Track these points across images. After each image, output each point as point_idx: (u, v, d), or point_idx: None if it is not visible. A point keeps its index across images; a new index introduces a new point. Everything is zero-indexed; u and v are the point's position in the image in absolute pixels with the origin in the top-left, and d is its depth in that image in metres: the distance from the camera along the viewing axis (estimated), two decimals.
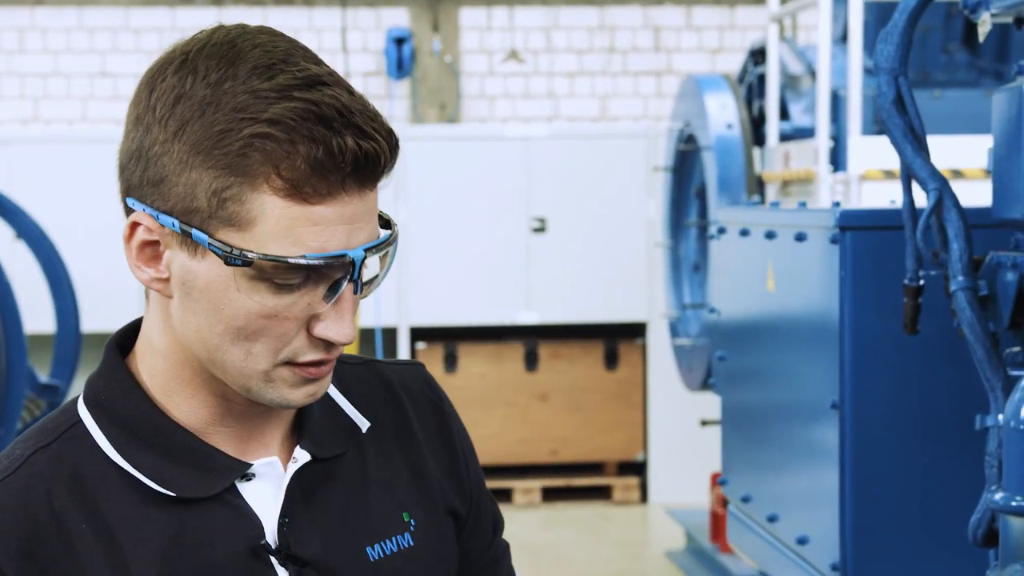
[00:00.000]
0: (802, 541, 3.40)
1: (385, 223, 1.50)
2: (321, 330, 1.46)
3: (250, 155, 1.40)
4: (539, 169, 8.34)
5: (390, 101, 9.32)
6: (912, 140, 2.73)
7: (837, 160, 6.52)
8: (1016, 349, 2.63)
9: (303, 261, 1.41)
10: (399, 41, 9.28)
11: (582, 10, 9.39)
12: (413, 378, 1.71)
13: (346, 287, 1.45)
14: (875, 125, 7.06)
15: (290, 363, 1.47)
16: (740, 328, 4.00)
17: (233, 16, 9.44)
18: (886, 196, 5.79)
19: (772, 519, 3.69)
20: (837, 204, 3.37)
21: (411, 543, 1.60)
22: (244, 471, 1.52)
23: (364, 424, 1.62)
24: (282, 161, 1.40)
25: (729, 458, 4.20)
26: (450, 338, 8.47)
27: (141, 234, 1.46)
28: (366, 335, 8.62)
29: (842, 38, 6.88)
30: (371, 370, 1.68)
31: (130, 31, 9.33)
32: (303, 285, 1.44)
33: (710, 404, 6.97)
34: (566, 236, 8.35)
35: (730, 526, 4.17)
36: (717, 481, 4.55)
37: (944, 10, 6.87)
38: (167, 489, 1.49)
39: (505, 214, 8.34)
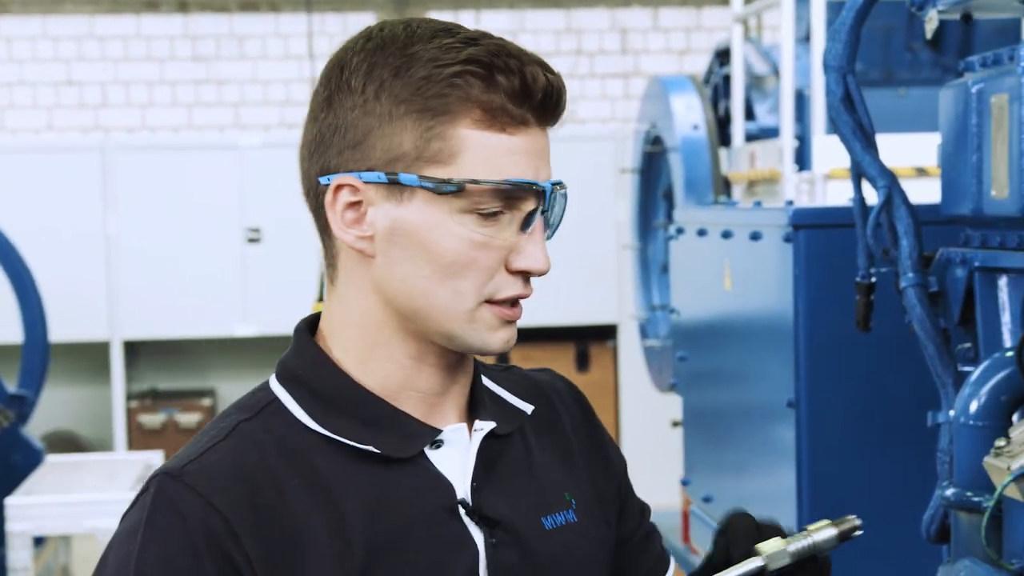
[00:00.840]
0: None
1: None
2: (519, 261, 1.58)
3: (451, 94, 1.55)
4: None
5: None
6: (861, 137, 2.73)
7: (802, 159, 6.53)
8: (966, 345, 2.64)
9: (505, 185, 1.55)
10: None
11: (548, 13, 9.40)
12: (555, 378, 1.83)
13: (538, 219, 1.58)
14: None
15: (490, 302, 1.58)
16: (699, 328, 4.01)
17: (200, 22, 9.41)
18: (851, 195, 5.80)
19: None
20: (790, 203, 3.38)
21: (576, 519, 1.69)
22: (435, 436, 1.62)
23: (528, 408, 1.73)
24: (481, 94, 1.55)
25: (691, 458, 4.20)
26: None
27: (344, 196, 1.59)
28: None
29: (805, 38, 6.89)
30: (516, 373, 1.80)
31: (95, 39, 9.30)
32: (501, 217, 1.57)
33: (680, 405, 6.99)
34: None
35: (693, 527, 4.17)
36: (681, 482, 4.55)
37: (907, 8, 6.88)
38: (370, 447, 1.59)
39: None
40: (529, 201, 1.58)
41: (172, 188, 8.58)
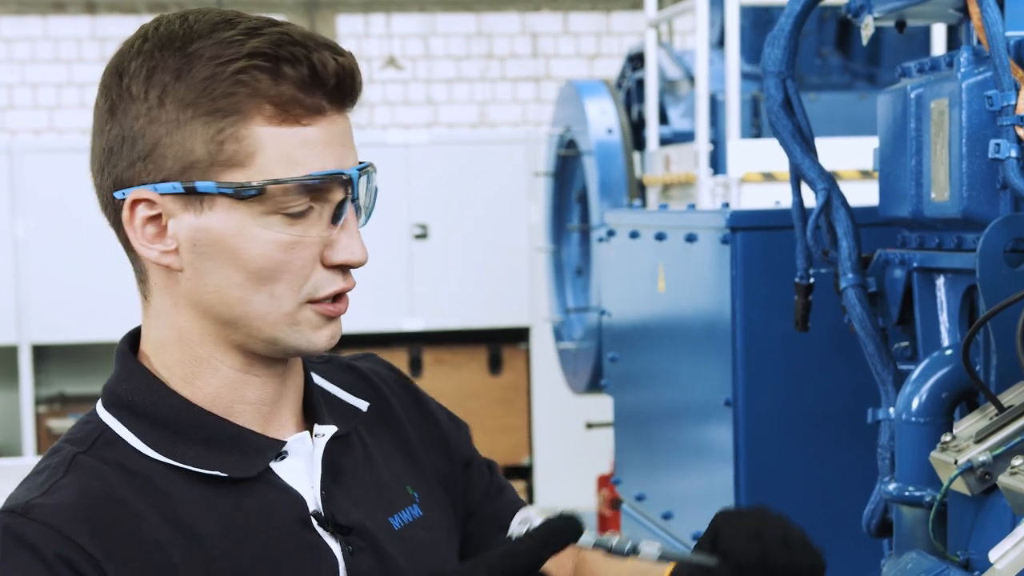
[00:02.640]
0: (698, 537, 3.45)
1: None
2: (335, 256, 1.53)
3: (237, 91, 1.47)
4: (420, 176, 8.36)
5: None
6: (800, 141, 2.79)
7: (717, 163, 6.62)
8: (905, 344, 2.70)
9: (307, 179, 1.48)
10: None
11: (459, 17, 9.43)
12: (377, 364, 1.79)
13: (349, 208, 1.53)
14: (753, 128, 7.18)
15: (311, 301, 1.52)
16: (631, 329, 4.05)
17: (107, 24, 9.33)
18: (765, 198, 5.90)
19: (667, 516, 3.74)
20: (727, 205, 3.43)
21: (421, 513, 1.67)
22: (280, 449, 1.57)
23: (363, 405, 1.69)
24: (270, 88, 1.48)
25: (622, 458, 4.25)
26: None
27: (141, 212, 1.52)
28: None
29: (719, 43, 6.98)
30: (338, 364, 1.75)
31: (1, 40, 9.20)
32: (310, 213, 1.51)
33: (595, 407, 7.04)
34: (448, 242, 8.38)
35: (624, 524, 4.21)
36: (611, 480, 4.60)
37: (817, 14, 6.99)
38: (216, 471, 1.53)
39: (386, 221, 8.34)
40: (337, 192, 1.52)
41: (81, 191, 8.49)
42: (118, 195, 1.52)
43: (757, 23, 7.43)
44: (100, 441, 1.54)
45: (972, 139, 2.39)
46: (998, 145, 2.31)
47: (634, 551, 1.47)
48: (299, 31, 1.51)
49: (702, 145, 6.38)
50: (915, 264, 2.59)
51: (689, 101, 7.16)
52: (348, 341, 8.46)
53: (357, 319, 8.79)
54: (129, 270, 1.61)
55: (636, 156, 7.03)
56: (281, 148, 1.49)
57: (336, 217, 1.53)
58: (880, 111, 2.70)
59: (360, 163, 1.56)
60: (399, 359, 8.38)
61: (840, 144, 5.57)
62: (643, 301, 3.87)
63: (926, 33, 6.73)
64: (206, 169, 1.49)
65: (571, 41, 9.48)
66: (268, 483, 1.56)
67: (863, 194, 2.72)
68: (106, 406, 1.57)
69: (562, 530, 1.39)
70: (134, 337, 1.62)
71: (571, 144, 7.11)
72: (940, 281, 2.57)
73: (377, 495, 1.65)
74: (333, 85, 1.51)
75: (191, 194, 1.49)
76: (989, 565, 1.82)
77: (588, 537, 1.43)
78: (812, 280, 2.86)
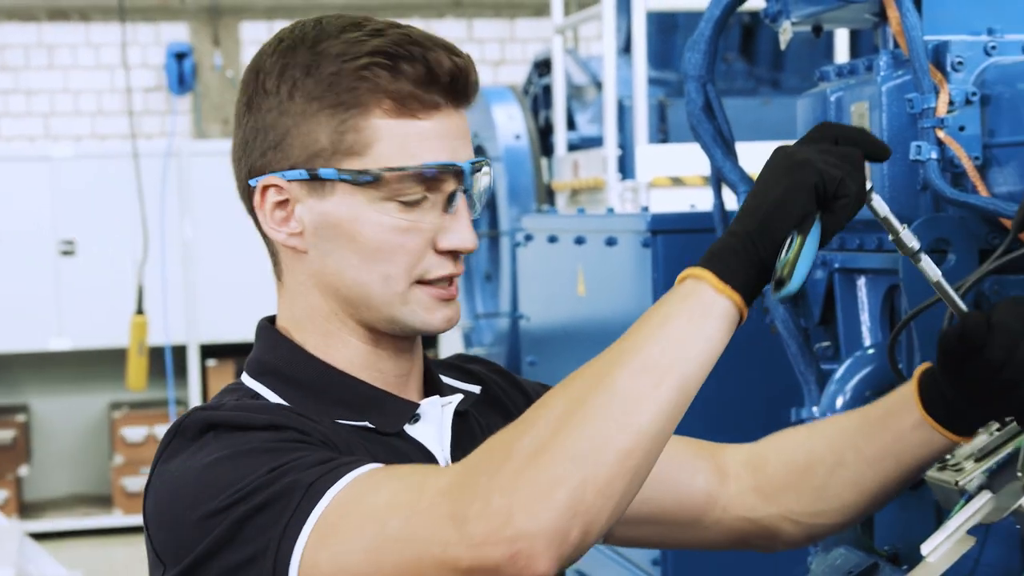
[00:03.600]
0: (656, 562, 3.47)
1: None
2: (445, 241, 1.65)
3: (359, 86, 1.61)
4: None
5: (172, 117, 9.21)
6: (721, 144, 2.82)
7: (625, 168, 6.66)
8: (826, 344, 2.74)
9: (419, 168, 1.61)
10: (180, 56, 9.17)
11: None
12: (469, 360, 1.92)
13: (461, 198, 1.66)
14: (660, 133, 7.24)
15: (422, 282, 1.65)
16: (550, 333, 4.07)
17: (7, 32, 9.20)
18: (674, 202, 5.95)
19: None
20: (646, 209, 3.46)
21: None
22: (414, 411, 1.70)
23: (476, 389, 1.83)
24: (389, 83, 1.61)
25: None
26: (243, 354, 8.39)
27: (271, 196, 1.66)
28: (155, 353, 8.48)
29: (625, 48, 7.03)
30: (439, 363, 1.89)
31: None
32: (423, 202, 1.64)
33: None
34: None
35: None
36: None
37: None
38: (364, 423, 1.66)
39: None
40: (450, 182, 1.66)
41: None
42: (252, 183, 1.67)
43: (663, 29, 7.50)
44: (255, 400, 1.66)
45: (893, 141, 2.43)
46: (919, 147, 2.35)
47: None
48: (420, 32, 1.65)
49: (610, 150, 6.42)
50: (836, 265, 2.63)
51: (596, 106, 7.20)
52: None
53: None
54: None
55: (544, 162, 7.05)
56: (397, 139, 1.63)
57: (448, 205, 1.65)
58: (800, 114, 2.73)
59: (475, 158, 1.68)
60: None
61: (746, 149, 5.62)
62: (562, 305, 3.89)
63: (828, 39, 6.82)
64: (329, 157, 1.63)
65: (475, 47, 9.50)
66: (406, 440, 1.68)
67: None
68: (252, 375, 1.70)
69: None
70: (270, 320, 1.76)
71: (479, 150, 7.12)
72: (861, 281, 2.61)
73: None
74: (448, 82, 1.63)
75: (315, 180, 1.63)
76: (917, 558, 1.85)
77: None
78: None
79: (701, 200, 4.95)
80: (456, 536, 1.40)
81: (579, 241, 3.69)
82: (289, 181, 1.65)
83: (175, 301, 8.61)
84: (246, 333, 8.52)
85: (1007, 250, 2.16)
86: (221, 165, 8.59)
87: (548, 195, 7.02)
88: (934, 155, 2.34)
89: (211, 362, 8.84)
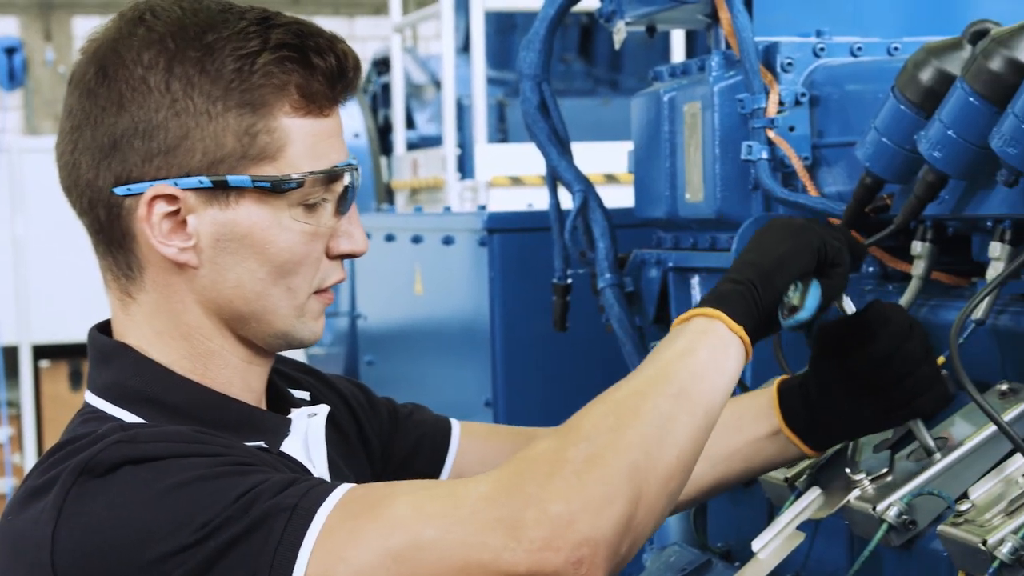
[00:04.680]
0: None
1: None
2: (343, 245, 1.57)
3: (268, 83, 1.48)
4: None
5: (2, 113, 8.99)
6: (556, 144, 2.82)
7: (464, 167, 6.67)
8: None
9: (333, 171, 1.52)
10: (9, 51, 8.95)
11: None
12: (289, 361, 1.83)
13: (353, 200, 1.57)
14: (499, 133, 7.25)
15: (316, 291, 1.56)
16: (389, 332, 4.05)
17: None
18: (514, 201, 5.96)
19: None
20: (483, 208, 3.46)
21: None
22: (288, 426, 1.60)
23: (307, 394, 1.75)
24: (300, 79, 1.49)
25: None
26: (77, 355, 8.23)
27: (160, 207, 1.49)
28: None
29: (464, 48, 7.04)
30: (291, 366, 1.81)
31: None
32: (321, 204, 1.53)
33: None
34: None
35: None
36: None
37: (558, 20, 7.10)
38: (258, 443, 1.55)
39: None
40: (340, 183, 1.55)
41: None
42: (121, 191, 1.49)
43: (501, 29, 7.52)
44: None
45: (724, 141, 2.46)
46: (750, 147, 2.38)
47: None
48: (310, 23, 1.54)
49: (449, 149, 6.42)
50: (670, 264, 2.65)
51: (435, 106, 7.20)
52: None
53: None
54: None
55: (383, 160, 7.03)
56: (308, 139, 1.52)
57: (342, 208, 1.56)
58: (634, 114, 2.75)
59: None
60: None
61: (585, 148, 5.66)
62: (400, 304, 3.87)
63: (665, 39, 6.89)
64: (236, 163, 1.49)
65: None
66: (285, 458, 1.58)
67: (609, 198, 2.78)
68: (115, 402, 1.54)
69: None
70: (100, 328, 1.62)
71: None
72: (695, 280, 2.63)
73: (348, 471, 1.72)
74: (351, 77, 1.55)
75: (219, 188, 1.49)
76: (749, 555, 1.87)
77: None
78: (570, 281, 2.90)
79: (540, 199, 4.96)
80: (512, 542, 1.36)
81: (416, 240, 3.68)
82: (185, 190, 1.49)
83: (6, 301, 8.43)
84: (81, 334, 8.37)
85: None
86: (54, 162, 8.44)
87: (388, 194, 7.00)
88: (765, 155, 2.37)
89: (44, 363, 8.66)
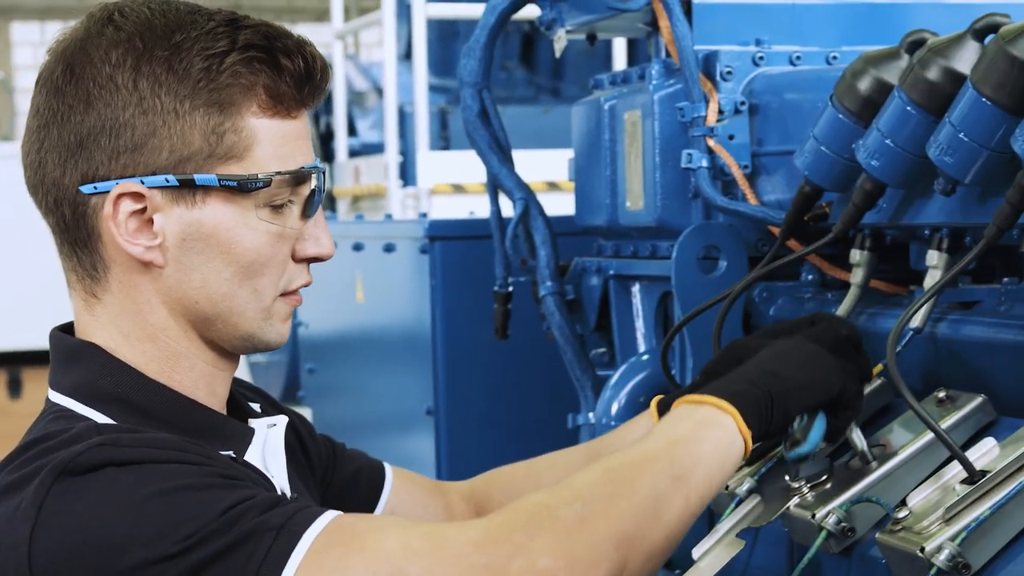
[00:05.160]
0: None
1: None
2: (308, 248, 1.57)
3: (236, 83, 1.48)
4: None
5: None
6: (497, 151, 2.82)
7: (406, 175, 6.66)
8: (602, 350, 2.77)
9: (300, 173, 1.52)
10: None
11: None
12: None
13: (319, 204, 1.57)
14: (441, 140, 7.25)
15: (283, 294, 1.56)
16: (330, 340, 4.03)
17: None
18: (455, 209, 5.96)
19: None
20: (424, 215, 3.46)
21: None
22: (251, 435, 1.59)
23: (258, 405, 1.73)
24: (268, 80, 1.50)
25: None
26: (14, 363, 8.16)
27: (126, 206, 1.49)
28: None
29: (406, 55, 7.04)
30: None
31: None
32: (287, 207, 1.53)
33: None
34: None
35: None
36: None
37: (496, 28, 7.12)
38: (227, 452, 1.54)
39: None
40: (307, 186, 1.56)
41: None
42: (87, 189, 1.49)
43: (443, 36, 7.52)
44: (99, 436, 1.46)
45: (665, 149, 2.47)
46: (690, 155, 2.39)
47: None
48: (277, 26, 1.55)
49: (391, 157, 6.42)
50: (611, 272, 2.66)
51: (377, 113, 7.19)
52: (30, 358, 8.18)
53: (40, 335, 8.52)
54: None
55: (325, 168, 7.02)
56: (275, 140, 1.52)
57: (309, 211, 1.56)
58: (575, 122, 2.76)
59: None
60: None
61: (526, 156, 5.67)
62: (341, 312, 3.86)
63: (607, 48, 6.92)
64: (203, 162, 1.49)
65: None
66: (248, 466, 1.57)
67: (551, 205, 2.78)
68: (86, 401, 1.52)
69: None
70: (62, 329, 1.60)
71: None
72: (635, 288, 2.64)
73: (301, 481, 1.73)
74: (319, 79, 1.55)
75: (185, 187, 1.49)
76: (690, 562, 1.87)
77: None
78: (511, 288, 2.90)
79: (482, 207, 4.97)
80: None
81: (357, 248, 3.67)
82: (151, 188, 1.49)
83: None
84: (17, 342, 8.33)
85: (775, 256, 2.21)
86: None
87: (329, 201, 6.98)
88: (705, 163, 2.38)
89: None
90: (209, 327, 1.55)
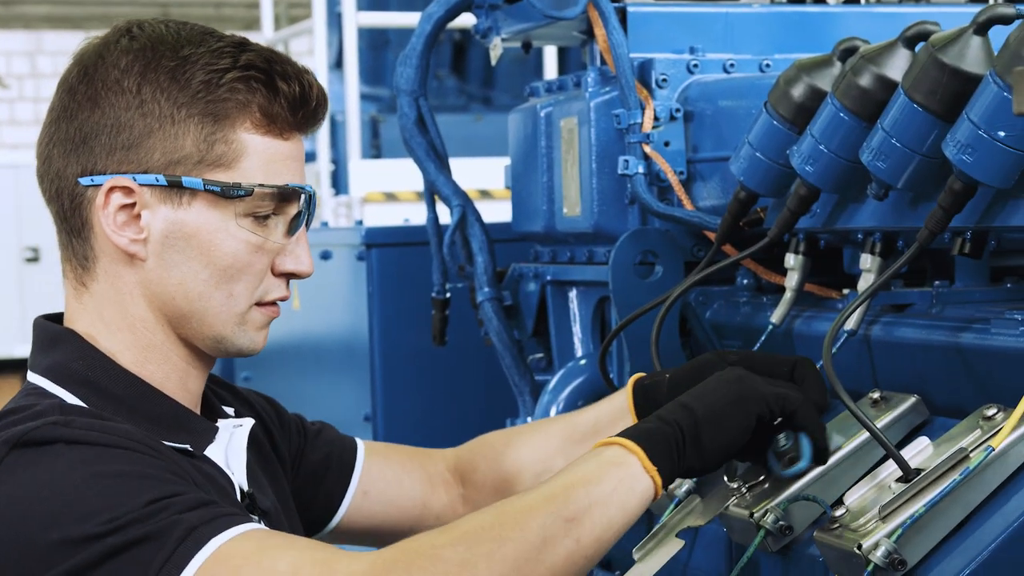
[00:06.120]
0: None
1: None
2: (287, 264, 1.64)
3: (232, 98, 1.58)
4: (31, 198, 8.08)
5: None
6: (435, 159, 2.84)
7: (338, 183, 6.66)
8: (540, 355, 2.79)
9: (286, 188, 1.60)
10: None
11: (67, 34, 9.17)
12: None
13: (303, 223, 1.65)
14: (373, 149, 7.24)
15: (259, 304, 1.64)
16: (266, 348, 4.02)
17: None
18: (387, 217, 5.96)
19: None
20: (360, 223, 3.46)
21: (277, 501, 1.78)
22: (214, 433, 1.66)
23: (235, 411, 1.80)
24: (263, 99, 1.59)
25: None
26: None
27: (117, 199, 1.58)
28: None
29: (336, 64, 7.02)
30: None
31: None
32: (270, 219, 1.61)
33: None
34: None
35: None
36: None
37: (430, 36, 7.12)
38: (184, 444, 1.60)
39: None
40: (294, 205, 1.64)
41: None
42: (85, 181, 1.59)
43: (374, 45, 7.51)
44: (67, 409, 1.56)
45: (601, 156, 2.50)
46: (626, 161, 2.41)
47: None
48: (282, 54, 1.64)
49: (323, 165, 6.41)
50: (548, 277, 2.68)
51: None
52: None
53: None
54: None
55: (314, 191, 7.00)
56: (264, 156, 1.60)
57: (293, 229, 1.64)
58: (511, 129, 2.78)
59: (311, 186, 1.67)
60: (12, 388, 8.07)
61: (458, 164, 5.68)
62: (278, 319, 3.85)
63: (538, 56, 6.94)
64: (192, 166, 1.59)
65: None
66: (207, 461, 1.64)
67: (484, 213, 2.80)
68: (57, 382, 1.60)
69: None
70: (48, 318, 1.68)
71: None
72: (573, 293, 2.66)
73: (271, 484, 1.77)
74: (313, 107, 1.64)
75: (173, 187, 1.58)
76: (630, 562, 1.89)
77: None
78: (448, 295, 2.92)
79: (414, 215, 4.97)
80: None
81: None
82: (141, 185, 1.59)
83: None
84: None
85: (711, 261, 2.24)
86: None
87: None
88: (641, 169, 2.40)
89: None
90: (183, 324, 1.63)
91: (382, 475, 2.01)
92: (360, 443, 2.04)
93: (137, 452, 1.49)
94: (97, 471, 1.46)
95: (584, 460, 1.63)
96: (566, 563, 1.53)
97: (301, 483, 1.92)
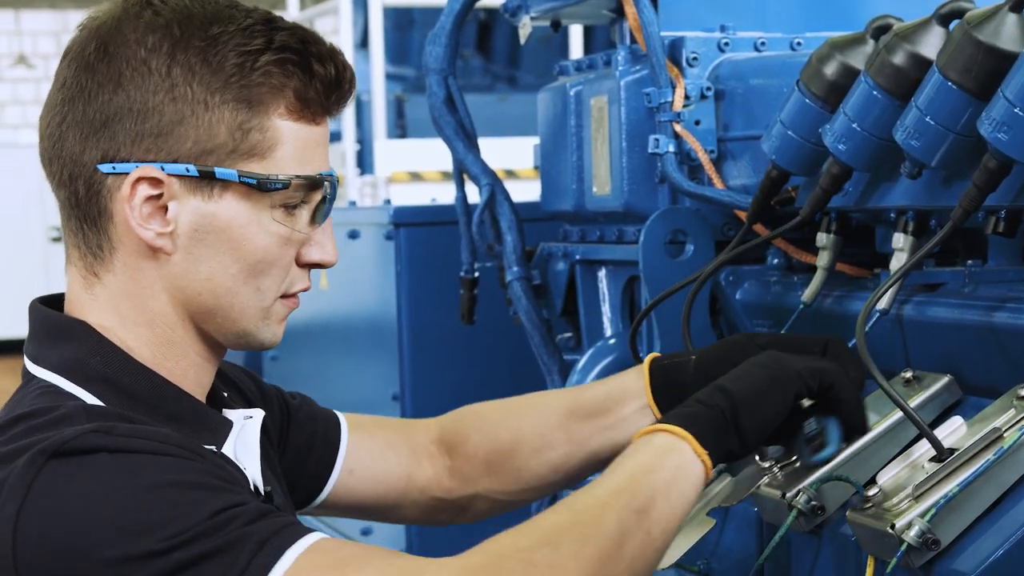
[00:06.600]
0: (366, 532, 3.48)
1: None
2: (312, 254, 1.57)
3: (267, 83, 1.49)
4: None
5: None
6: (464, 138, 2.84)
7: (363, 163, 6.66)
8: (568, 335, 2.78)
9: (318, 178, 1.52)
10: None
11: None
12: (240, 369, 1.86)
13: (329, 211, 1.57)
14: (398, 129, 7.24)
15: (283, 296, 1.57)
16: (294, 328, 4.01)
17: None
18: (413, 197, 5.97)
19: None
20: (388, 202, 3.46)
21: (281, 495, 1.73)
22: (229, 428, 1.60)
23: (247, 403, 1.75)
24: (299, 84, 1.51)
25: None
26: None
27: (144, 190, 1.49)
28: None
29: (361, 43, 7.02)
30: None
31: None
32: (297, 209, 1.54)
33: None
34: None
35: None
36: None
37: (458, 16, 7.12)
38: (210, 445, 1.55)
39: (19, 223, 8.07)
40: (319, 192, 1.56)
41: None
42: (106, 168, 1.49)
43: (399, 24, 7.51)
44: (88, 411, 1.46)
45: (631, 135, 2.49)
46: (657, 140, 2.41)
47: None
48: (309, 29, 1.55)
49: (349, 145, 6.42)
50: (577, 256, 2.68)
51: None
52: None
53: None
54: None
55: (339, 176, 7.02)
56: (297, 144, 1.52)
57: (317, 217, 1.56)
58: (540, 108, 2.77)
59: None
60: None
61: (484, 144, 5.69)
62: (305, 299, 3.84)
63: (564, 36, 6.92)
64: (225, 156, 1.50)
65: None
66: (224, 458, 1.57)
67: (510, 193, 2.79)
68: (73, 379, 1.51)
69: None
70: (43, 302, 1.60)
71: None
72: (602, 273, 2.66)
73: (272, 473, 1.72)
74: (346, 89, 1.56)
75: (204, 179, 1.49)
76: None
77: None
78: (477, 274, 2.92)
79: (440, 194, 4.98)
80: None
81: None
82: (170, 176, 1.49)
83: None
84: None
85: (742, 240, 2.23)
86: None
87: None
88: (671, 148, 2.40)
89: None
90: (207, 319, 1.55)
91: (367, 452, 1.95)
92: (342, 418, 1.97)
93: (183, 459, 1.42)
94: (149, 482, 1.37)
95: (636, 450, 1.61)
96: (642, 558, 1.51)
97: (287, 463, 1.86)
